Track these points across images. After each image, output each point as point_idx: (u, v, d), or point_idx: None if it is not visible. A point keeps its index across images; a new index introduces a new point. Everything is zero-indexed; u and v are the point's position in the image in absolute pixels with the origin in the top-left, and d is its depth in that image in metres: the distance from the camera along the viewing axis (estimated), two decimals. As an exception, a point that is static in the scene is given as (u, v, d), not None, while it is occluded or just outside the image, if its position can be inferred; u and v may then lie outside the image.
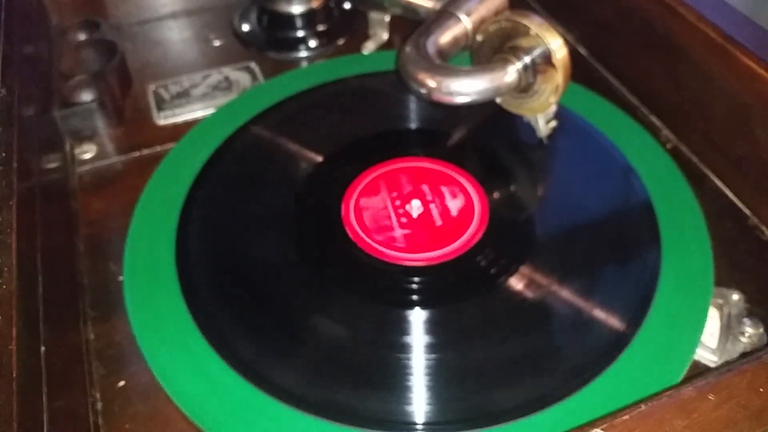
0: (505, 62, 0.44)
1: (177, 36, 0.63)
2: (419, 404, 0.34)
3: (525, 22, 0.44)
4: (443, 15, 0.48)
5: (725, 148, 0.46)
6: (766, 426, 0.26)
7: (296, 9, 0.60)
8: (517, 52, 0.45)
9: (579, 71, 0.47)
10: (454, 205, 0.44)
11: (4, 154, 0.37)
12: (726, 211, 0.45)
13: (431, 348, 0.36)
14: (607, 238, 0.42)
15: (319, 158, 0.48)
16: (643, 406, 0.26)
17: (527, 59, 0.44)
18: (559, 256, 0.41)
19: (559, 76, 0.44)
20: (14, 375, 0.27)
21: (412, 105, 0.52)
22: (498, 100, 0.49)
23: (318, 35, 0.61)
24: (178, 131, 0.51)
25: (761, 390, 0.27)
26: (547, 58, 0.44)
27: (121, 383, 0.37)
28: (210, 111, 0.53)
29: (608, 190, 0.46)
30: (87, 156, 0.50)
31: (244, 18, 0.63)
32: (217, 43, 0.61)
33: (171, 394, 0.35)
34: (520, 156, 0.49)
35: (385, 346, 0.37)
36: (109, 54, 0.55)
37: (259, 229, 0.44)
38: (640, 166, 0.46)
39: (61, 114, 0.50)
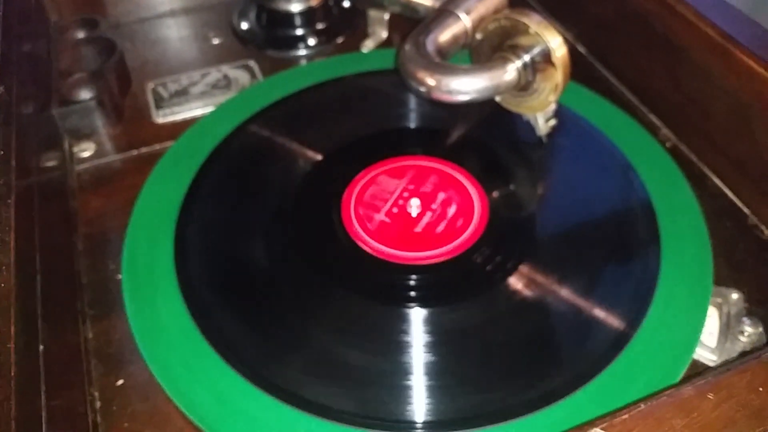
0: (505, 61, 0.44)
1: (176, 34, 0.63)
2: (419, 403, 0.34)
3: (524, 20, 0.44)
4: (443, 13, 0.48)
5: (725, 147, 0.45)
6: (766, 425, 0.26)
7: (295, 7, 0.60)
8: (516, 50, 0.45)
9: (578, 70, 0.47)
10: (454, 204, 0.44)
11: (2, 153, 0.37)
12: (725, 211, 0.45)
13: (431, 347, 0.36)
14: (606, 236, 0.42)
15: (319, 157, 0.48)
16: (642, 406, 0.26)
17: (527, 58, 0.44)
18: (558, 254, 0.41)
19: (558, 75, 0.44)
20: (13, 374, 0.27)
21: (412, 103, 0.52)
22: (497, 98, 0.49)
23: (317, 33, 0.61)
24: (176, 129, 0.51)
25: (761, 389, 0.27)
26: (546, 57, 0.44)
27: (120, 382, 0.37)
28: (209, 109, 0.53)
29: (608, 189, 0.46)
30: (86, 154, 0.50)
31: (243, 16, 0.63)
32: (216, 41, 0.61)
33: (170, 392, 0.35)
34: (519, 155, 0.49)
35: (385, 345, 0.37)
36: (107, 52, 0.55)
37: (257, 228, 0.44)
38: (639, 165, 0.46)
39: (59, 112, 0.50)
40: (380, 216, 0.43)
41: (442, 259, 0.41)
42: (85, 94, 0.52)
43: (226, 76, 0.57)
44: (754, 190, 0.44)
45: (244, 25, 0.62)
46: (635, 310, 0.38)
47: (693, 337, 0.36)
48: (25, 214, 0.36)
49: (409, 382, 0.35)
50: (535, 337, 0.37)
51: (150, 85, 0.56)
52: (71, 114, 0.50)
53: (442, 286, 0.40)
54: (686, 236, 0.41)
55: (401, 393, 0.35)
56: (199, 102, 0.54)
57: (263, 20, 0.62)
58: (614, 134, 0.48)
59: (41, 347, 0.32)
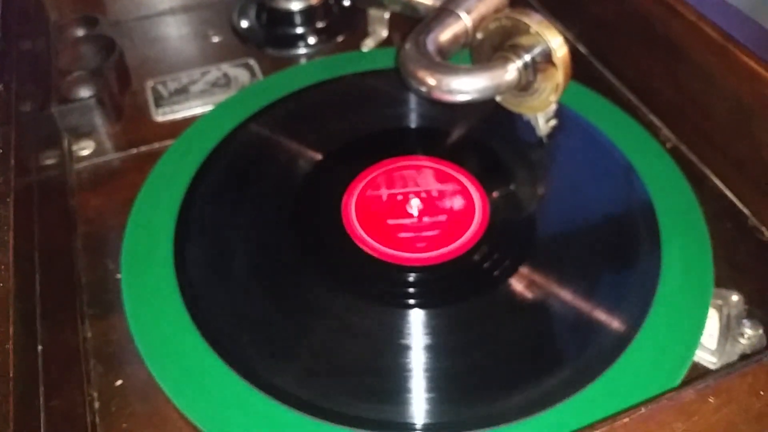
0: (506, 60, 0.44)
1: (175, 32, 0.62)
2: (418, 405, 0.34)
3: (525, 20, 0.44)
4: (443, 12, 0.47)
5: (725, 148, 0.45)
6: (767, 429, 0.26)
7: (295, 5, 0.60)
8: (517, 50, 0.44)
9: (579, 69, 0.46)
10: (455, 204, 0.44)
11: (1, 151, 0.37)
12: (726, 212, 0.45)
13: (431, 348, 0.36)
14: (607, 237, 0.42)
15: (319, 156, 0.48)
16: (643, 409, 0.26)
17: (527, 57, 0.44)
18: (558, 256, 0.41)
19: (559, 75, 0.44)
20: (11, 374, 0.27)
21: (412, 103, 0.52)
22: (498, 98, 0.49)
23: (317, 32, 0.61)
24: (176, 128, 0.51)
25: (761, 393, 0.27)
26: (547, 57, 0.44)
27: (119, 382, 0.37)
28: (208, 108, 0.53)
29: (608, 189, 0.46)
30: (85, 152, 0.50)
31: (242, 14, 0.63)
32: (215, 39, 0.61)
33: (169, 393, 0.35)
34: (520, 155, 0.49)
35: (385, 347, 0.37)
36: (107, 50, 0.55)
37: (257, 228, 0.44)
38: (640, 166, 0.46)
39: (59, 110, 0.50)
40: (380, 216, 0.43)
41: (442, 260, 0.41)
42: (85, 93, 0.51)
43: (226, 75, 0.56)
44: (754, 192, 0.44)
45: (244, 24, 0.62)
46: (635, 311, 0.37)
47: (693, 339, 0.36)
48: (24, 213, 0.36)
49: (408, 385, 0.35)
50: (534, 340, 0.37)
51: (150, 84, 0.56)
52: (71, 112, 0.50)
53: (442, 287, 0.40)
54: (686, 237, 0.41)
55: (401, 395, 0.34)
56: (198, 100, 0.54)
57: (263, 18, 0.62)
58: (615, 135, 0.48)
59: (40, 347, 0.32)
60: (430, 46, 0.45)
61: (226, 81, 0.56)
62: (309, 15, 0.61)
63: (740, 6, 0.45)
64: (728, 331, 0.37)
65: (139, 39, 0.61)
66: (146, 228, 0.43)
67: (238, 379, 0.35)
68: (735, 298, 0.39)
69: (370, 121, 0.51)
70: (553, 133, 0.48)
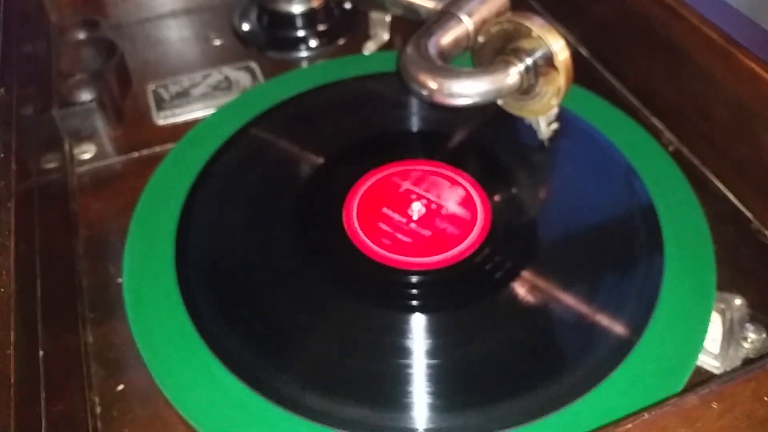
0: (507, 64, 0.44)
1: (177, 35, 0.62)
2: (420, 410, 0.34)
3: (527, 23, 0.44)
4: (444, 16, 0.47)
5: (727, 150, 0.45)
6: (770, 435, 0.26)
7: (297, 8, 0.60)
8: (518, 53, 0.44)
9: (580, 72, 0.46)
10: (457, 207, 0.44)
11: (2, 155, 0.37)
12: (728, 215, 0.44)
13: (432, 353, 0.36)
14: (609, 241, 0.42)
15: (320, 160, 0.48)
16: (646, 415, 0.26)
17: (529, 61, 0.44)
18: (560, 260, 0.41)
19: (561, 79, 0.44)
20: (12, 381, 0.27)
21: (414, 107, 0.52)
22: (499, 102, 0.49)
23: (318, 35, 0.61)
24: (177, 131, 0.51)
25: (765, 398, 0.26)
26: (549, 60, 0.44)
27: (120, 387, 0.37)
28: (210, 111, 0.53)
29: (610, 193, 0.46)
30: (86, 156, 0.50)
31: (244, 17, 0.63)
32: (217, 42, 0.61)
33: (170, 397, 0.35)
34: (521, 159, 0.49)
35: (386, 351, 0.37)
36: (108, 53, 0.55)
37: (259, 232, 0.44)
38: (642, 169, 0.46)
39: (60, 113, 0.50)
40: (382, 220, 0.43)
41: (444, 264, 0.41)
42: (86, 96, 0.51)
43: (227, 78, 0.56)
44: (757, 195, 0.44)
45: (246, 27, 0.62)
46: (638, 315, 0.37)
47: (696, 344, 0.36)
48: (25, 217, 0.36)
49: (410, 389, 0.35)
50: (536, 344, 0.37)
51: (151, 87, 0.56)
52: (72, 115, 0.50)
53: (444, 291, 0.40)
54: (689, 241, 0.41)
55: (402, 400, 0.34)
56: (200, 104, 0.54)
57: (264, 21, 0.62)
58: (617, 138, 0.48)
59: (41, 352, 0.32)
60: (432, 50, 0.45)
61: (228, 84, 0.56)
62: (310, 18, 0.61)
63: (742, 8, 0.45)
64: (731, 335, 0.37)
65: (140, 42, 0.61)
66: (148, 232, 0.43)
67: (239, 384, 0.35)
68: (738, 301, 0.38)
69: (371, 124, 0.51)
70: (555, 136, 0.48)
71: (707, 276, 0.39)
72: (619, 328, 0.37)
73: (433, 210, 0.44)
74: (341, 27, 0.62)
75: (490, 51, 0.47)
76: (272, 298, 0.40)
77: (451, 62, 0.47)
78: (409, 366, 0.36)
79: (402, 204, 0.44)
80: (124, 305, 0.39)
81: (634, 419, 0.26)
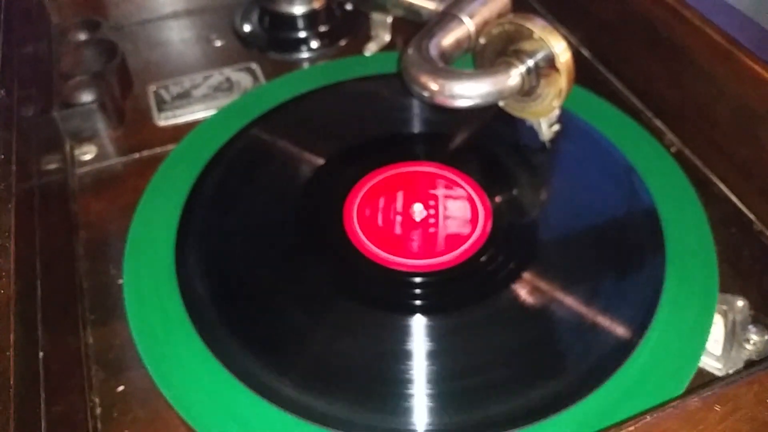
0: (509, 65, 0.44)
1: (178, 36, 0.62)
2: (420, 413, 0.34)
3: (528, 25, 0.44)
4: (446, 17, 0.47)
5: (730, 152, 0.45)
6: (774, 438, 0.25)
7: (298, 10, 0.60)
8: (520, 55, 0.44)
9: (582, 73, 0.46)
10: (458, 209, 0.44)
11: (2, 156, 0.37)
12: (730, 217, 0.44)
13: (432, 355, 0.36)
14: (611, 243, 0.42)
15: (321, 161, 0.48)
16: (648, 417, 0.26)
17: (530, 63, 0.44)
18: (562, 261, 0.41)
19: (562, 80, 0.44)
20: (12, 382, 0.27)
21: (415, 108, 0.52)
22: (501, 103, 0.49)
23: (320, 36, 0.61)
24: (178, 132, 0.51)
25: (768, 401, 0.26)
26: (550, 62, 0.44)
27: (121, 388, 0.37)
28: (211, 112, 0.53)
29: (612, 194, 0.45)
30: (87, 157, 0.50)
31: (245, 18, 0.63)
32: (218, 43, 0.61)
33: (170, 399, 0.35)
34: (523, 160, 0.48)
35: (387, 353, 0.36)
36: (109, 54, 0.55)
37: (259, 233, 0.43)
38: (644, 171, 0.46)
39: (61, 115, 0.50)
40: (383, 221, 0.43)
41: (444, 266, 0.40)
42: (87, 97, 0.51)
43: (228, 79, 0.56)
44: (759, 196, 0.44)
45: (247, 28, 0.62)
46: (640, 317, 0.37)
47: (699, 346, 0.36)
48: (25, 219, 0.36)
49: (410, 391, 0.35)
50: (537, 346, 0.37)
51: (152, 88, 0.56)
52: (72, 116, 0.50)
53: (444, 293, 0.40)
54: (691, 242, 0.41)
55: (403, 402, 0.34)
56: (201, 105, 0.54)
57: (266, 22, 0.62)
58: (618, 139, 0.48)
59: (41, 353, 0.32)
60: (433, 51, 0.45)
61: (229, 85, 0.56)
62: (312, 19, 0.61)
63: (745, 9, 0.45)
64: (734, 336, 0.37)
65: (141, 43, 0.61)
66: (148, 233, 0.43)
67: (239, 385, 0.35)
68: (740, 303, 0.38)
69: (372, 125, 0.51)
70: (557, 138, 0.48)
71: (709, 277, 0.39)
72: (620, 330, 0.37)
73: (433, 212, 0.43)
74: (342, 28, 0.62)
75: (491, 52, 0.47)
76: (273, 300, 0.40)
77: (452, 64, 0.47)
78: (409, 367, 0.36)
79: (403, 205, 0.44)
80: (125, 306, 0.39)
81: (636, 422, 0.26)
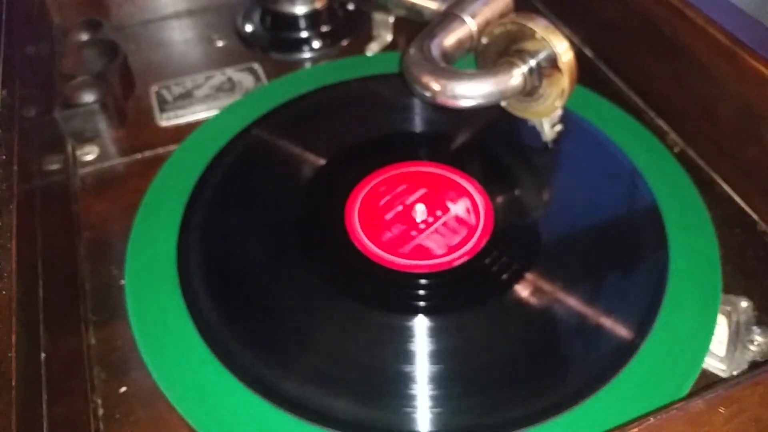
0: (511, 65, 0.44)
1: (180, 36, 0.62)
2: (423, 414, 0.34)
3: (531, 25, 0.44)
4: (448, 17, 0.47)
5: (733, 152, 0.45)
6: (778, 440, 0.25)
7: (300, 10, 0.60)
8: (522, 55, 0.44)
9: (585, 73, 0.46)
10: (459, 210, 0.44)
11: (4, 157, 0.37)
12: (734, 217, 0.44)
13: (434, 356, 0.36)
14: (613, 243, 0.42)
15: (323, 161, 0.48)
16: (651, 419, 0.26)
17: (533, 62, 0.44)
18: (564, 262, 0.41)
19: (564, 80, 0.44)
20: (14, 383, 0.27)
21: (417, 108, 0.52)
22: (503, 103, 0.49)
23: (322, 36, 0.61)
24: (180, 133, 0.51)
25: (773, 403, 0.26)
26: (553, 62, 0.44)
27: (123, 389, 0.37)
28: (213, 112, 0.53)
29: (614, 195, 0.45)
30: (89, 158, 0.50)
31: (247, 18, 0.63)
32: (220, 43, 0.61)
33: (172, 400, 0.35)
34: (525, 160, 0.48)
35: (389, 354, 0.36)
36: (111, 54, 0.55)
37: (261, 234, 0.43)
38: (646, 171, 0.45)
39: (62, 115, 0.50)
40: (384, 222, 0.43)
41: (446, 267, 0.40)
42: (89, 97, 0.51)
43: (230, 79, 0.56)
44: (763, 196, 0.44)
45: (249, 28, 0.62)
46: (643, 318, 0.37)
47: (702, 347, 0.36)
48: (27, 219, 0.36)
49: (412, 392, 0.35)
50: (540, 347, 0.37)
51: (154, 88, 0.56)
52: (74, 117, 0.50)
53: (446, 293, 0.40)
54: (694, 243, 0.41)
55: (405, 403, 0.34)
56: (203, 105, 0.54)
57: (267, 23, 0.62)
58: (621, 139, 0.48)
59: (43, 354, 0.32)
60: (435, 51, 0.45)
61: (231, 85, 0.56)
62: (313, 19, 0.61)
63: (749, 9, 0.45)
64: (737, 337, 0.37)
65: (143, 43, 0.61)
66: (150, 233, 0.43)
67: (241, 386, 0.35)
68: (744, 304, 0.38)
69: (374, 126, 0.51)
70: (559, 138, 0.48)
71: (713, 278, 0.39)
72: (623, 331, 0.37)
73: (435, 212, 0.43)
74: (344, 28, 0.62)
75: (493, 52, 0.47)
76: (274, 301, 0.40)
77: (454, 64, 0.47)
78: (411, 368, 0.35)
79: (404, 206, 0.44)
80: (127, 307, 0.39)
81: (640, 423, 0.26)
